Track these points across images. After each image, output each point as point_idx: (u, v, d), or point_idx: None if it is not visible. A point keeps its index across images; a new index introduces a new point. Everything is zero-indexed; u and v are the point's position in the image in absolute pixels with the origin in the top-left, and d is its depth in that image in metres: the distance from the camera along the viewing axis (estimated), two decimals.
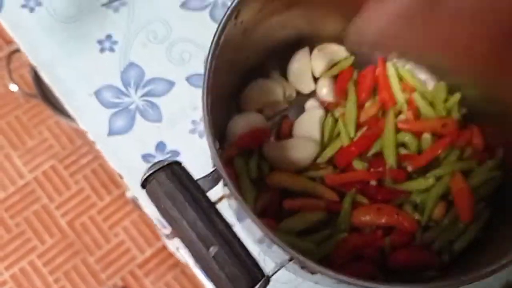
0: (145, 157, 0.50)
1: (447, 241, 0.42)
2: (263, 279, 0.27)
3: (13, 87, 1.08)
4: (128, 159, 0.50)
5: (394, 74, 0.51)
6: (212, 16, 0.56)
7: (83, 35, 0.54)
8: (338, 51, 0.53)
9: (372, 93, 0.51)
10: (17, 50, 1.12)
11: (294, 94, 0.52)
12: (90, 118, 0.52)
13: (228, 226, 0.27)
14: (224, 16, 0.38)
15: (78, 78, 0.53)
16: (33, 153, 1.45)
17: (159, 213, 0.28)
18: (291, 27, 0.49)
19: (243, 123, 0.48)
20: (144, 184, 0.29)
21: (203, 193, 0.29)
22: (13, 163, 1.44)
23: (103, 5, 0.56)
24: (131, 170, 0.50)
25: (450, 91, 0.50)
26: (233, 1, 0.39)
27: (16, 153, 1.45)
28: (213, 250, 0.26)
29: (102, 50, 0.54)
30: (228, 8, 0.38)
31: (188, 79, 0.53)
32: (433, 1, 0.43)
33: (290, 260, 0.32)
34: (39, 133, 1.46)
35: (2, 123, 1.46)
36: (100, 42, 0.54)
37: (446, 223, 0.42)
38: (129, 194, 1.07)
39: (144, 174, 0.28)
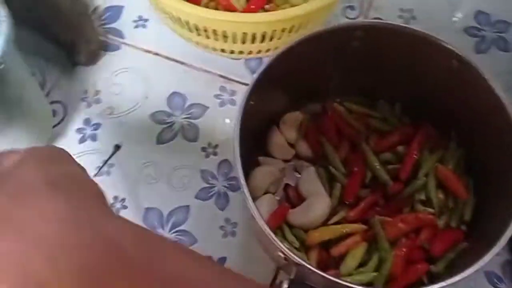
0: None
1: (458, 216, 0.54)
2: None
3: None
4: None
5: (344, 111, 0.63)
6: (184, 137, 0.65)
7: None
8: (297, 116, 0.64)
9: (338, 134, 0.62)
10: None
11: (283, 165, 0.62)
12: None
13: None
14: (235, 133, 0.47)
15: None
16: None
17: None
18: (259, 117, 0.59)
19: (262, 209, 0.58)
20: None
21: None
22: None
23: (95, 175, 0.62)
24: None
25: (390, 104, 0.63)
26: (238, 121, 0.48)
27: None
28: None
29: (117, 211, 0.60)
30: (236, 125, 0.47)
31: (197, 196, 0.62)
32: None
33: None
34: None
35: None
36: (112, 205, 0.61)
37: (452, 204, 0.54)
38: None
39: None
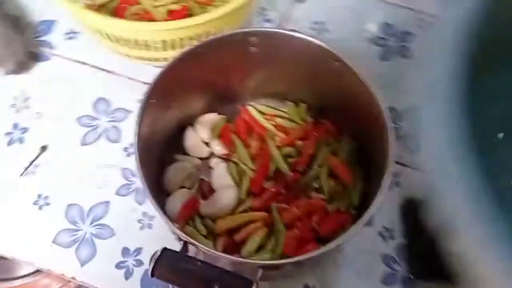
0: (118, 265, 0.62)
1: (347, 202, 0.60)
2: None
3: None
4: (107, 275, 0.61)
5: (255, 112, 0.69)
6: (108, 138, 0.70)
7: (20, 203, 0.65)
8: (213, 117, 0.69)
9: (249, 133, 0.68)
10: None
11: (199, 162, 0.68)
12: (60, 262, 0.62)
13: (216, 267, 0.42)
14: (135, 131, 0.52)
15: (34, 237, 0.63)
16: None
17: (172, 286, 0.42)
18: (173, 119, 0.65)
19: (176, 202, 0.63)
20: (153, 274, 0.42)
21: (189, 257, 0.43)
22: None
23: (21, 174, 0.66)
24: (113, 281, 0.61)
25: (297, 105, 0.69)
26: (136, 127, 0.54)
27: None
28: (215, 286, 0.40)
29: (40, 208, 0.65)
30: (136, 127, 0.53)
31: (117, 192, 0.66)
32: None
33: (260, 267, 0.47)
34: None
35: None
36: (35, 202, 0.65)
37: (340, 191, 0.60)
38: None
39: (150, 268, 0.42)
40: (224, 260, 0.47)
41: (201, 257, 0.52)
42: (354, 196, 0.60)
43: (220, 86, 0.67)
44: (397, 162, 0.68)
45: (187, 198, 0.63)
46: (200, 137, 0.68)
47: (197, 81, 0.63)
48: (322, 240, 0.58)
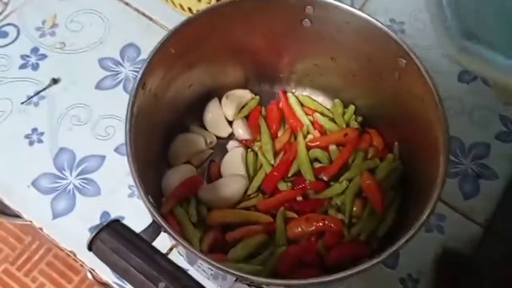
0: (92, 229, 0.54)
1: (370, 231, 0.48)
2: None
3: None
4: (77, 236, 0.54)
5: (295, 101, 0.59)
6: (125, 89, 0.62)
7: (10, 134, 0.58)
8: (244, 95, 0.60)
9: (281, 123, 0.58)
10: None
11: (215, 140, 0.58)
12: (33, 208, 0.55)
13: (175, 266, 0.32)
14: (132, 89, 0.44)
15: (13, 173, 0.56)
16: None
17: (109, 268, 0.33)
18: (197, 83, 0.55)
19: (176, 177, 0.54)
20: (90, 247, 0.33)
21: (147, 242, 0.34)
22: None
23: (23, 103, 0.60)
24: (81, 245, 0.53)
25: (346, 105, 0.58)
26: (138, 74, 0.45)
27: None
28: (161, 285, 0.30)
29: (31, 143, 0.58)
30: (135, 81, 0.44)
31: (116, 149, 0.58)
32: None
33: (236, 280, 0.37)
34: None
35: None
36: (27, 136, 0.58)
37: (366, 216, 0.49)
38: (89, 275, 1.07)
39: (89, 238, 0.33)
40: (195, 257, 0.37)
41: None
42: (381, 226, 0.48)
43: (260, 59, 0.57)
44: (444, 202, 0.55)
45: (189, 175, 0.54)
46: (224, 113, 0.59)
47: (232, 44, 0.53)
48: (326, 268, 0.47)
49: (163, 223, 0.38)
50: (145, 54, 0.64)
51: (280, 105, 0.59)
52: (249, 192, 0.53)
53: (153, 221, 0.39)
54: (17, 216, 1.09)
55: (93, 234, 0.32)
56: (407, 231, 0.39)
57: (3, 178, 0.56)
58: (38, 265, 1.40)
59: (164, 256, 0.33)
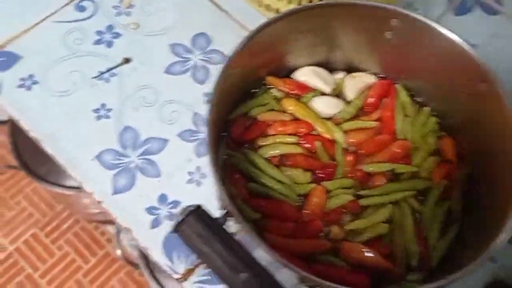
0: (149, 209, 0.55)
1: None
2: None
3: None
4: (134, 214, 0.55)
5: (404, 100, 0.56)
6: (193, 77, 0.63)
7: (79, 106, 0.59)
8: (368, 79, 0.57)
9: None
10: None
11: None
12: (95, 181, 0.56)
13: (253, 258, 0.33)
14: (215, 83, 0.44)
15: (79, 145, 0.57)
16: (12, 224, 1.44)
17: (193, 252, 0.34)
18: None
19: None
20: (176, 229, 0.34)
21: (225, 229, 0.34)
22: None
23: (94, 77, 0.61)
24: (137, 223, 0.55)
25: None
26: (220, 68, 0.46)
27: None
28: (242, 275, 0.31)
29: (98, 117, 0.59)
30: (217, 76, 0.44)
31: (179, 135, 0.59)
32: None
33: (301, 281, 0.37)
34: (16, 204, 1.47)
35: None
36: (95, 110, 0.59)
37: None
38: (118, 252, 1.09)
39: (176, 221, 0.34)
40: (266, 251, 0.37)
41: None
42: (434, 254, 0.48)
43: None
44: None
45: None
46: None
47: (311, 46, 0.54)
48: None
49: (237, 215, 0.38)
50: (216, 44, 0.65)
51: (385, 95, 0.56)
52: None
53: (227, 212, 0.40)
54: (53, 183, 1.12)
55: (181, 218, 0.33)
56: (471, 259, 0.39)
57: (69, 148, 0.57)
58: (65, 234, 1.44)
59: (243, 247, 0.34)
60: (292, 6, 0.61)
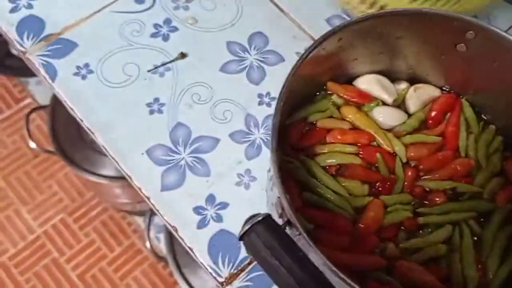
0: (196, 209, 0.54)
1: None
2: None
3: (32, 144, 1.11)
4: (180, 213, 0.54)
5: (469, 116, 0.53)
6: (248, 77, 0.61)
7: (133, 99, 0.59)
8: (433, 92, 0.55)
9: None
10: (33, 110, 1.17)
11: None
12: (143, 175, 0.55)
13: (321, 273, 0.31)
14: (283, 88, 0.43)
15: (130, 139, 0.57)
16: (42, 207, 1.46)
17: (257, 262, 0.32)
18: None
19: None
20: (242, 237, 0.32)
21: (293, 241, 0.33)
22: (22, 218, 1.45)
23: (149, 71, 0.61)
24: (184, 222, 0.54)
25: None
26: (286, 80, 0.44)
27: (25, 208, 1.47)
28: None
29: (151, 112, 0.58)
30: (285, 82, 0.43)
31: (231, 135, 0.58)
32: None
33: None
34: (48, 187, 1.49)
35: (11, 178, 1.49)
36: (148, 104, 0.59)
37: None
38: (148, 244, 1.09)
39: (243, 229, 0.32)
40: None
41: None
42: (492, 283, 0.46)
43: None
44: None
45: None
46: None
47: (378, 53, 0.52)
48: None
49: (299, 226, 0.37)
50: (272, 45, 0.64)
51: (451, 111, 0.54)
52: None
53: (288, 220, 0.38)
54: (86, 170, 1.13)
55: (249, 226, 0.32)
56: None
57: (120, 141, 0.57)
58: (93, 221, 1.45)
59: (310, 261, 0.32)
60: (373, 10, 0.59)
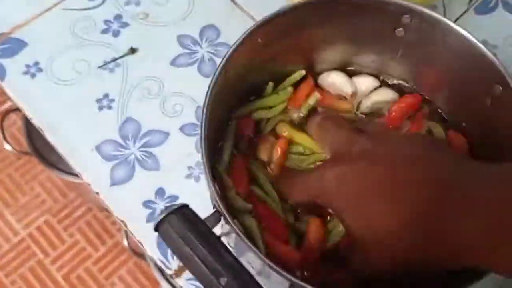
0: (146, 203, 0.54)
1: None
2: None
3: (7, 146, 1.11)
4: (130, 207, 0.54)
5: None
6: (199, 70, 0.61)
7: (82, 96, 0.59)
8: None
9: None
10: (9, 111, 1.16)
11: None
12: (93, 171, 0.55)
13: (239, 263, 0.31)
14: (214, 74, 0.43)
15: (80, 135, 0.57)
16: (26, 209, 1.46)
17: (172, 253, 0.32)
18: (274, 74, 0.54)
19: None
20: (157, 228, 0.32)
21: (210, 230, 0.33)
22: (6, 220, 1.45)
23: (99, 67, 0.61)
24: (133, 217, 0.54)
25: None
26: (222, 59, 0.44)
27: (8, 210, 1.47)
28: (223, 280, 0.30)
29: (100, 108, 0.58)
30: (218, 67, 0.43)
31: (181, 128, 0.58)
32: None
33: (291, 286, 0.36)
34: (31, 189, 1.49)
35: None
36: (98, 101, 0.59)
37: None
38: (125, 242, 1.10)
39: (157, 219, 0.32)
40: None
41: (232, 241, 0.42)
42: None
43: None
44: None
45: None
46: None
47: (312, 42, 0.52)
48: None
49: (227, 215, 0.37)
50: (225, 37, 0.64)
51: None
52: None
53: (216, 210, 0.38)
54: (63, 171, 1.12)
55: (162, 216, 0.32)
56: None
57: (69, 138, 0.57)
58: (77, 222, 1.45)
59: (229, 252, 0.32)
60: None
